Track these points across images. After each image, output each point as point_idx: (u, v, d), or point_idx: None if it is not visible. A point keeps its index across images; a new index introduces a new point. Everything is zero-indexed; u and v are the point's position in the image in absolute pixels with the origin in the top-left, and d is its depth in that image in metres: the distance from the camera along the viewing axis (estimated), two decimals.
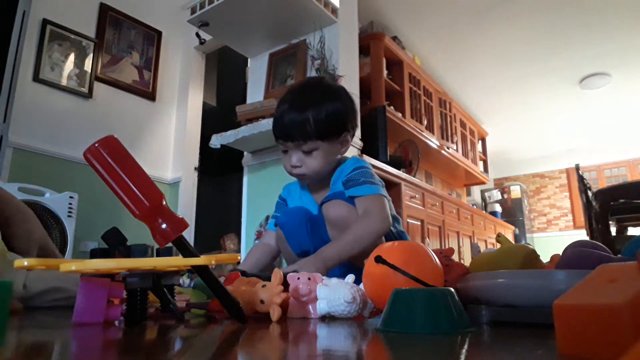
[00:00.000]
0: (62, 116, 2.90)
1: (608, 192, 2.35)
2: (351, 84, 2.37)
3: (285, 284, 0.69)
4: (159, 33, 3.55)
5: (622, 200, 2.26)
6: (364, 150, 2.56)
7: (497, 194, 6.39)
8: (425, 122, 4.01)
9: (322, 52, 2.36)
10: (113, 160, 0.52)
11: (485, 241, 4.43)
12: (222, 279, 0.87)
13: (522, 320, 0.53)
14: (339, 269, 1.06)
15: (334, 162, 1.17)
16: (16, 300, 0.81)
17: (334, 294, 0.65)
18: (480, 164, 5.62)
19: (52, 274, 0.88)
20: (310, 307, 0.69)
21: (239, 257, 0.66)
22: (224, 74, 4.20)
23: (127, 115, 3.27)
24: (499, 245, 0.77)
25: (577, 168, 2.97)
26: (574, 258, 0.62)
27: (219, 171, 4.28)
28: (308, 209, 1.21)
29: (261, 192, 2.57)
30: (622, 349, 0.22)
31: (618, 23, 3.81)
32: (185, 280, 1.05)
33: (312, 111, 1.07)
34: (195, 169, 3.53)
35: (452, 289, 0.49)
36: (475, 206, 5.37)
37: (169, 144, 3.58)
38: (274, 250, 1.24)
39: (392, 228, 1.14)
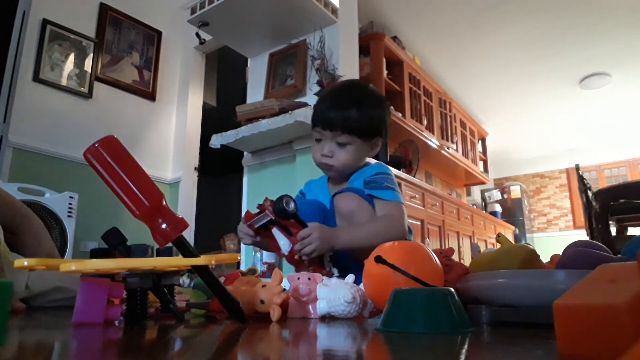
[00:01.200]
0: (62, 116, 2.90)
1: (608, 192, 2.35)
2: None
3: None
4: (159, 33, 3.55)
5: (622, 200, 2.26)
6: None
7: (497, 194, 6.39)
8: (425, 122, 4.01)
9: (322, 52, 2.36)
10: (113, 160, 0.52)
11: (485, 241, 4.43)
12: (222, 279, 0.87)
13: (522, 320, 0.53)
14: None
15: (361, 162, 1.20)
16: (17, 301, 0.81)
17: (334, 294, 0.65)
18: (480, 164, 5.62)
19: (54, 274, 0.88)
20: (310, 307, 0.69)
21: (239, 257, 0.66)
22: (224, 74, 4.20)
23: (127, 115, 3.27)
24: (499, 245, 0.77)
25: (577, 168, 2.97)
26: (574, 258, 0.62)
27: (219, 171, 4.29)
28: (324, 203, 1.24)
29: (261, 192, 2.57)
30: (622, 349, 0.22)
31: (618, 23, 3.81)
32: (185, 280, 1.05)
33: (356, 108, 1.12)
34: (195, 169, 3.53)
35: (452, 289, 0.49)
36: (475, 206, 5.37)
37: (169, 144, 3.58)
38: None
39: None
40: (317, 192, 1.29)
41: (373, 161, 1.27)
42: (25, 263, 0.52)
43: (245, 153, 2.70)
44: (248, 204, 2.66)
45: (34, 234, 1.10)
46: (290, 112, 2.18)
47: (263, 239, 1.01)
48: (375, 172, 1.16)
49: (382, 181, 1.14)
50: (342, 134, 1.12)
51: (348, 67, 2.45)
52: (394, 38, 3.79)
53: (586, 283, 0.34)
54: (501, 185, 6.93)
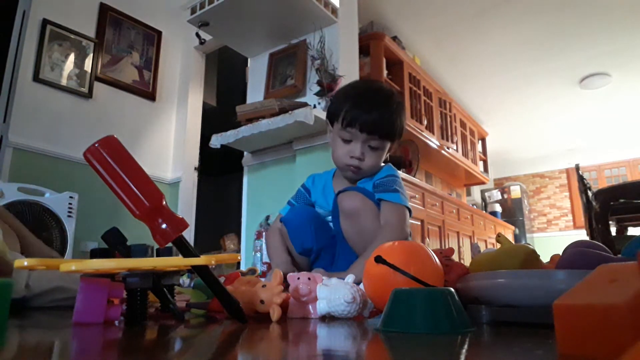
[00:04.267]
0: (62, 116, 2.90)
1: (608, 192, 2.34)
2: None
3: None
4: (159, 33, 3.55)
5: (622, 200, 2.26)
6: None
7: (497, 194, 6.38)
8: (425, 122, 4.01)
9: (322, 52, 2.36)
10: (113, 160, 0.52)
11: (485, 241, 4.43)
12: (222, 279, 0.87)
13: (522, 320, 0.53)
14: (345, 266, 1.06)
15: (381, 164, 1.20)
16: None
17: (334, 294, 0.65)
18: (480, 164, 5.62)
19: (55, 273, 0.88)
20: (310, 307, 0.69)
21: (239, 257, 0.66)
22: (224, 74, 4.20)
23: (127, 115, 3.27)
24: (499, 245, 0.77)
25: (577, 168, 2.97)
26: (574, 258, 0.62)
27: (219, 171, 4.28)
28: (323, 204, 1.23)
29: (261, 192, 2.57)
30: (622, 349, 0.22)
31: (618, 23, 3.81)
32: (185, 280, 1.05)
33: (394, 114, 1.14)
34: (195, 169, 3.53)
35: (452, 289, 0.49)
36: (475, 206, 5.37)
37: (169, 144, 3.58)
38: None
39: None
40: (321, 188, 1.27)
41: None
42: (25, 263, 0.52)
43: (245, 153, 2.70)
44: (248, 204, 2.66)
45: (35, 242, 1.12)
46: (290, 112, 2.18)
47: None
48: (385, 175, 1.17)
49: (391, 184, 1.14)
50: (379, 139, 1.12)
51: (348, 67, 2.44)
52: (394, 38, 3.79)
53: (586, 283, 0.34)
54: (501, 185, 6.93)
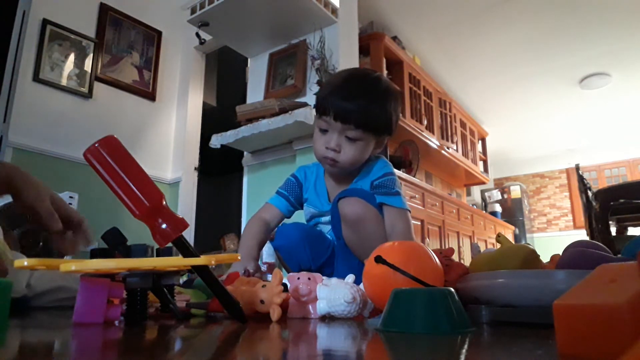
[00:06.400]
0: (62, 116, 2.90)
1: (608, 192, 2.34)
2: None
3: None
4: (159, 33, 3.55)
5: (622, 200, 2.26)
6: None
7: (497, 194, 6.38)
8: (425, 122, 4.01)
9: (322, 52, 2.36)
10: (113, 160, 0.52)
11: (485, 241, 4.43)
12: (222, 279, 0.87)
13: (522, 320, 0.53)
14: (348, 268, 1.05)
15: (365, 159, 1.12)
16: None
17: (334, 294, 0.65)
18: (480, 164, 5.62)
19: (56, 272, 0.87)
20: (310, 307, 0.69)
21: (239, 257, 0.66)
22: (224, 74, 4.20)
23: (127, 115, 3.27)
24: (499, 245, 0.77)
25: (577, 168, 2.97)
26: (574, 258, 0.62)
27: (219, 171, 4.28)
28: (316, 203, 1.19)
29: (261, 192, 2.57)
30: (622, 349, 0.22)
31: (618, 23, 3.81)
32: (185, 280, 1.05)
33: (376, 102, 1.05)
34: (195, 169, 3.53)
35: (452, 289, 0.49)
36: (475, 206, 5.37)
37: (169, 144, 3.58)
38: (271, 228, 1.20)
39: None
40: (313, 183, 1.22)
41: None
42: (25, 263, 0.52)
43: (245, 153, 2.70)
44: (248, 204, 2.66)
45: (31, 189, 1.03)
46: (290, 112, 2.18)
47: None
48: (382, 174, 1.11)
49: (392, 185, 1.09)
50: (355, 129, 1.03)
51: (348, 67, 2.44)
52: (394, 38, 3.79)
53: (586, 283, 0.34)
54: (501, 185, 6.93)
